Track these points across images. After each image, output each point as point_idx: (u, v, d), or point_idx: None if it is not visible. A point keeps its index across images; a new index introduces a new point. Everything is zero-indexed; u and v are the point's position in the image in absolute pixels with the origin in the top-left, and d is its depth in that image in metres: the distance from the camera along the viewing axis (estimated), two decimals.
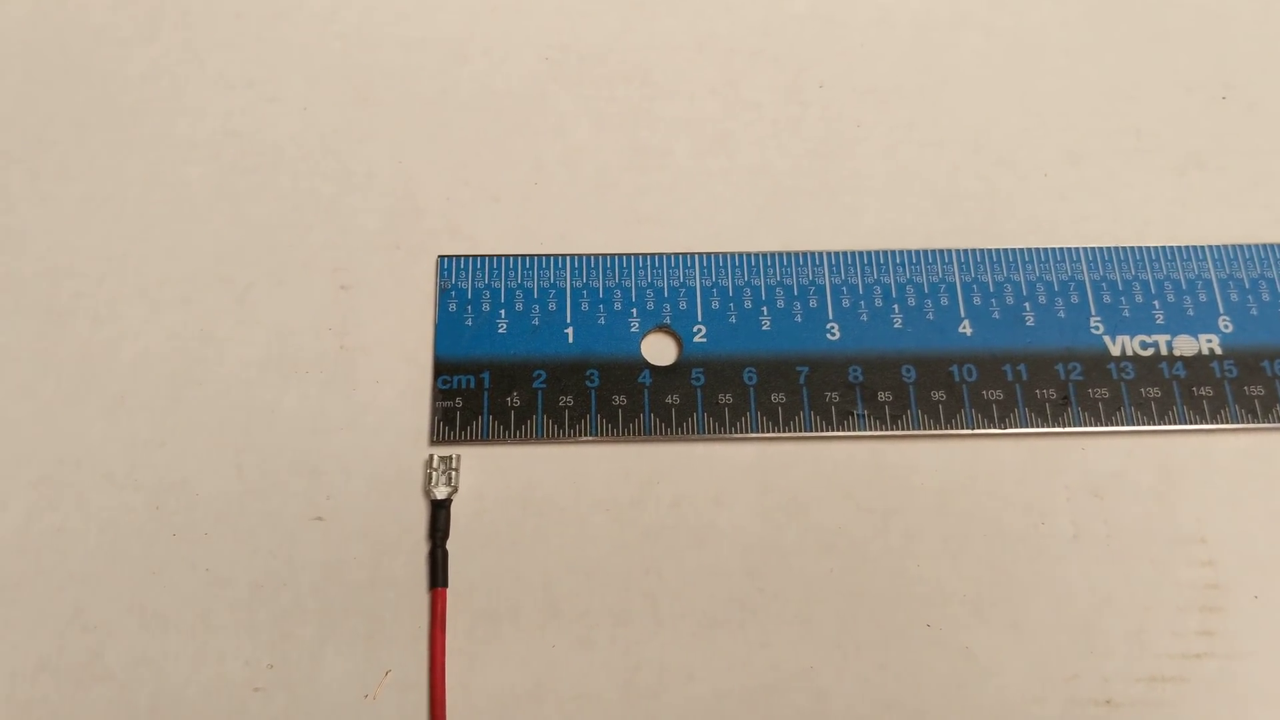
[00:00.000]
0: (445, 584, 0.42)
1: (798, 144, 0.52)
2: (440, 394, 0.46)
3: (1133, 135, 0.52)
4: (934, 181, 0.51)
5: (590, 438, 0.45)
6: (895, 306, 0.48)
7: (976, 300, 0.48)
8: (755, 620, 0.43)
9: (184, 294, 0.48)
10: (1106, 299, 0.48)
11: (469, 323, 0.47)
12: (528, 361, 0.46)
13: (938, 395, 0.46)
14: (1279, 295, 0.48)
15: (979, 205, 0.50)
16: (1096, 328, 0.47)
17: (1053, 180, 0.51)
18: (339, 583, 0.43)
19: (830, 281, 0.48)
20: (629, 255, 0.49)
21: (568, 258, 0.48)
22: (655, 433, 0.45)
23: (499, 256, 0.48)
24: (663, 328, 0.47)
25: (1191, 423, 0.46)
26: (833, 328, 0.47)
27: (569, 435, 0.45)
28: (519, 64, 0.54)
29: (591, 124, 0.52)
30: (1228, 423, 0.46)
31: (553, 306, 0.47)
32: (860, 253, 0.49)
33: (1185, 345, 0.47)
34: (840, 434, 0.45)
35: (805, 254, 0.49)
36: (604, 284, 0.48)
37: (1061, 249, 0.49)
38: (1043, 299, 0.48)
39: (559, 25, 0.55)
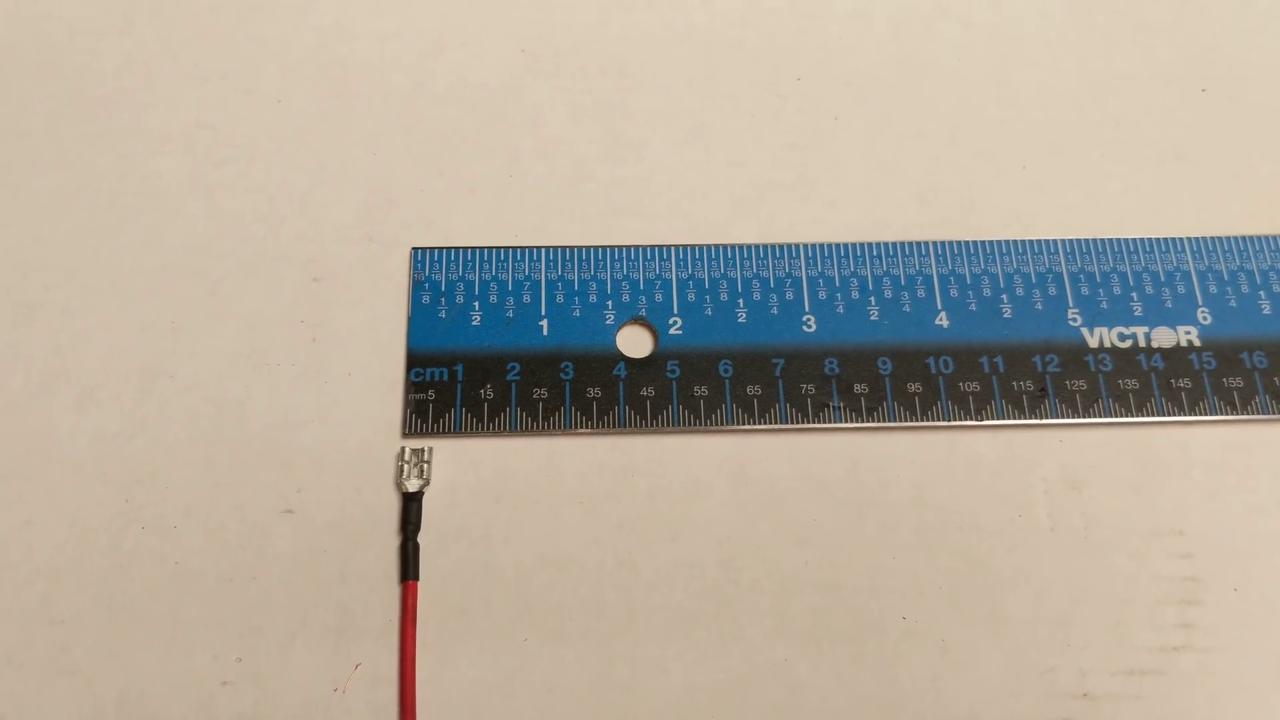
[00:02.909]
0: (416, 577, 0.42)
1: (775, 136, 0.52)
2: (413, 386, 0.45)
3: (1112, 127, 0.52)
4: (912, 174, 0.51)
5: (564, 430, 0.45)
6: (872, 299, 0.47)
7: (954, 292, 0.47)
8: (730, 613, 0.42)
9: (155, 286, 0.47)
10: (1084, 291, 0.48)
11: (442, 315, 0.46)
12: (502, 354, 0.46)
13: (914, 387, 0.45)
14: (1257, 287, 0.48)
15: (957, 197, 0.50)
16: (1074, 319, 0.47)
17: (1031, 172, 0.51)
18: (309, 576, 0.42)
19: (807, 274, 0.48)
20: (604, 247, 0.48)
21: (543, 250, 0.48)
22: (630, 425, 0.45)
23: (473, 249, 0.48)
24: (638, 320, 0.47)
25: (1170, 415, 0.45)
26: (809, 320, 0.47)
27: (543, 428, 0.45)
28: (495, 56, 0.53)
29: (567, 116, 0.52)
30: (1206, 415, 0.45)
31: (527, 299, 0.47)
32: (837, 245, 0.49)
33: (1163, 337, 0.47)
34: (816, 426, 0.45)
35: (782, 246, 0.48)
36: (579, 276, 0.48)
37: (1039, 241, 0.49)
38: (1020, 291, 0.48)
39: (535, 17, 0.55)
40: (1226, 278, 0.48)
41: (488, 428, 0.44)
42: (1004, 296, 0.47)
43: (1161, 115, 0.53)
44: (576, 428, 0.45)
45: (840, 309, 0.47)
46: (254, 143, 0.51)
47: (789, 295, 0.47)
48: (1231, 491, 0.45)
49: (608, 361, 0.46)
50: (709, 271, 0.48)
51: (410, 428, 0.44)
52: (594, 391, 0.45)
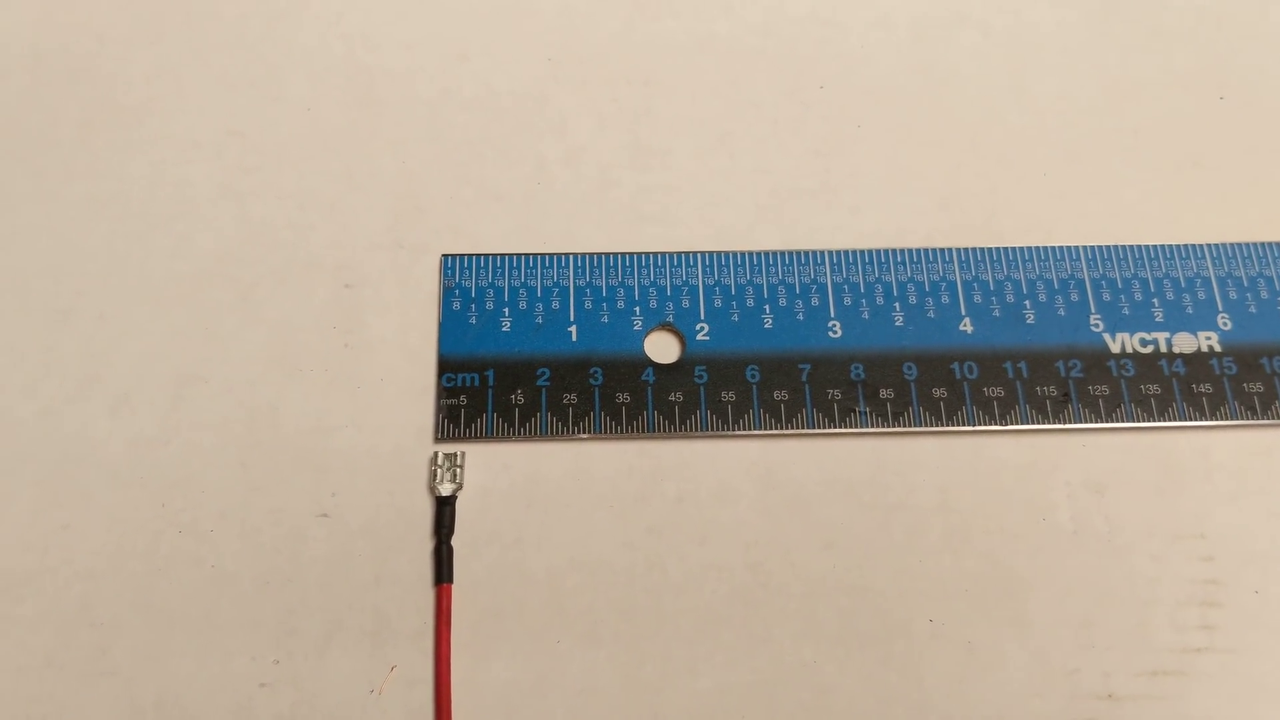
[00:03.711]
0: (450, 580, 0.42)
1: (799, 144, 0.52)
2: (445, 392, 0.46)
3: (1131, 134, 0.53)
4: (934, 181, 0.51)
5: (594, 435, 0.45)
6: (896, 305, 0.48)
7: (977, 298, 0.48)
8: (758, 615, 0.43)
9: (188, 293, 0.48)
10: (1106, 297, 0.48)
11: (473, 321, 0.47)
12: (531, 359, 0.46)
13: (939, 392, 0.46)
14: (1277, 293, 0.48)
15: (979, 204, 0.51)
16: (1096, 325, 0.48)
17: (1052, 179, 0.51)
18: (344, 579, 0.43)
19: (832, 280, 0.48)
20: (632, 254, 0.49)
21: (570, 256, 0.49)
22: (658, 430, 0.45)
23: (502, 255, 0.49)
24: (666, 326, 0.47)
25: (1191, 419, 0.46)
26: (834, 326, 0.47)
27: (573, 432, 0.45)
28: (521, 64, 0.54)
29: (593, 124, 0.52)
30: (1227, 419, 0.46)
31: (556, 305, 0.47)
32: (861, 251, 0.49)
33: (1184, 343, 0.47)
34: (842, 431, 0.46)
35: (807, 253, 0.49)
36: (607, 282, 0.48)
37: (1061, 247, 0.49)
38: (1043, 297, 0.48)
39: (561, 26, 0.55)
40: (1246, 284, 0.49)
41: (519, 432, 0.45)
42: (1027, 303, 0.48)
43: (1180, 122, 0.53)
44: (606, 432, 0.45)
45: (865, 315, 0.48)
46: (283, 150, 0.51)
47: (814, 301, 0.48)
48: (1252, 495, 0.45)
49: (636, 367, 0.46)
50: (735, 278, 0.48)
51: (442, 432, 0.45)
52: (623, 397, 0.46)
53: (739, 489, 0.45)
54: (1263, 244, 0.49)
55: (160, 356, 0.47)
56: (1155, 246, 0.49)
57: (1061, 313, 0.48)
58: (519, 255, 0.49)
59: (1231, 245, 0.49)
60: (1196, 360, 0.47)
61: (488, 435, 0.45)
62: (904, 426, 0.45)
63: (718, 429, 0.45)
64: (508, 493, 0.44)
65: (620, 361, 0.46)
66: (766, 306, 0.48)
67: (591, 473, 0.45)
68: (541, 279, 0.48)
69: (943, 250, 0.49)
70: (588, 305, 0.47)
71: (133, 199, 0.50)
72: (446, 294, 0.48)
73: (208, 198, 0.50)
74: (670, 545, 0.44)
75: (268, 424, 0.45)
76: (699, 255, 0.49)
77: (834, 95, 0.54)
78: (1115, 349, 0.47)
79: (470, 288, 0.48)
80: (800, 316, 0.47)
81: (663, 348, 0.47)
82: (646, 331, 0.47)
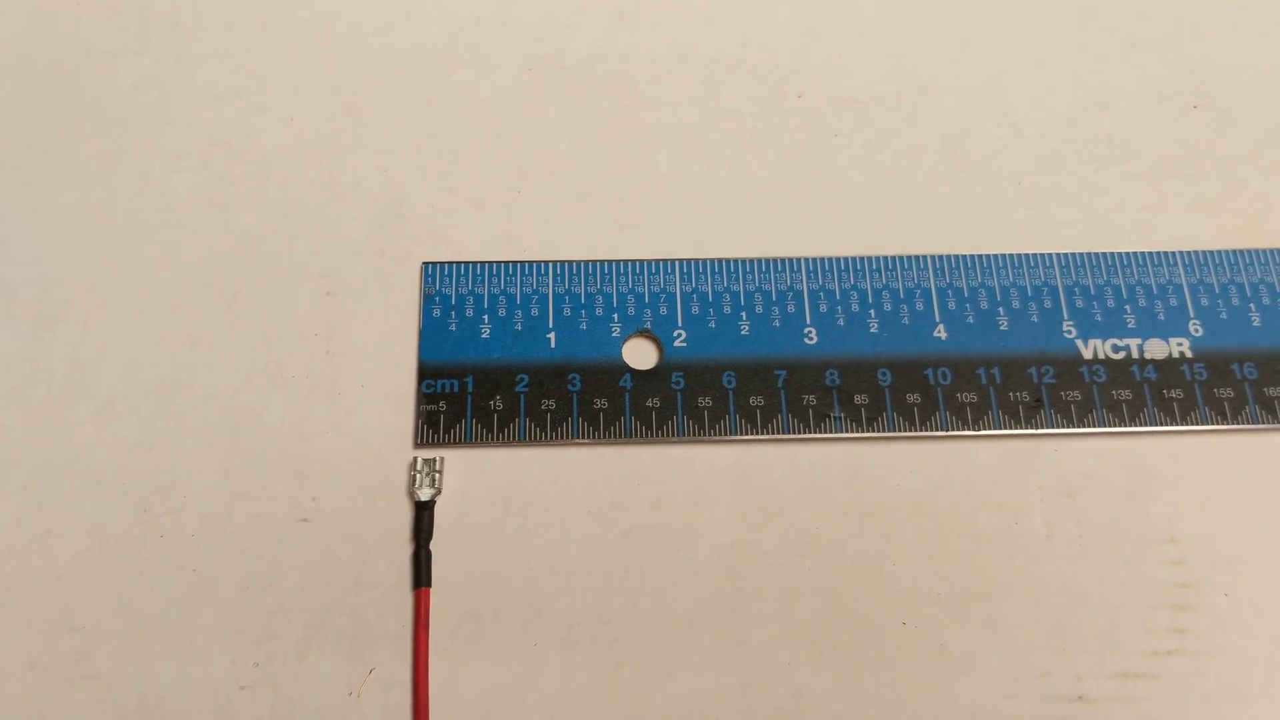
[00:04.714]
0: (429, 584, 0.43)
1: (777, 152, 0.53)
2: (424, 398, 0.46)
3: (1105, 143, 0.53)
4: (910, 189, 0.52)
5: (572, 440, 0.46)
6: (871, 311, 0.48)
7: (951, 305, 0.49)
8: (734, 619, 0.43)
9: (172, 301, 0.48)
10: (1079, 303, 0.49)
11: (453, 328, 0.48)
12: (510, 366, 0.47)
13: (913, 398, 0.47)
14: (1248, 300, 0.49)
15: (954, 212, 0.51)
16: (1069, 331, 0.48)
17: (1027, 187, 0.52)
18: (324, 583, 0.43)
19: (808, 287, 0.49)
20: (610, 261, 0.49)
21: (550, 264, 0.49)
22: (636, 435, 0.46)
23: (482, 263, 0.49)
24: (643, 332, 0.48)
25: (1162, 424, 0.46)
26: (810, 332, 0.48)
27: (551, 438, 0.46)
28: (503, 74, 0.55)
29: (574, 133, 0.53)
30: (1198, 424, 0.46)
31: (535, 312, 0.48)
32: (837, 259, 0.50)
33: (1156, 349, 0.48)
34: (817, 436, 0.46)
35: (784, 260, 0.50)
36: (586, 290, 0.49)
37: (1035, 255, 0.50)
38: (1016, 303, 0.49)
39: (543, 36, 0.56)
40: (1218, 290, 0.49)
41: (497, 438, 0.46)
42: (1000, 309, 0.48)
43: (1154, 131, 0.54)
44: (584, 438, 0.46)
45: (841, 321, 0.48)
46: (268, 160, 0.52)
47: (790, 308, 0.48)
48: (1222, 499, 0.45)
49: (614, 373, 0.47)
50: (712, 285, 0.49)
51: (422, 438, 0.45)
52: (600, 402, 0.46)
53: (715, 493, 0.45)
54: (1234, 251, 0.50)
55: (144, 363, 0.47)
56: (1128, 254, 0.50)
57: (1035, 319, 0.48)
58: (499, 263, 0.49)
59: (1203, 253, 0.50)
60: (1168, 366, 0.47)
61: (467, 441, 0.45)
62: (878, 432, 0.46)
63: (694, 434, 0.46)
64: (486, 498, 0.45)
65: (598, 368, 0.47)
66: (743, 313, 0.48)
67: (569, 478, 0.45)
68: (521, 286, 0.49)
69: (918, 257, 0.50)
70: (566, 312, 0.48)
71: (119, 208, 0.51)
72: (427, 301, 0.48)
73: (193, 207, 0.51)
74: (647, 549, 0.44)
75: (250, 430, 0.46)
76: (676, 263, 0.49)
77: (812, 104, 0.54)
78: (1087, 355, 0.48)
79: (450, 295, 0.48)
80: (776, 323, 0.48)
81: (641, 354, 0.48)
82: (625, 338, 0.48)
